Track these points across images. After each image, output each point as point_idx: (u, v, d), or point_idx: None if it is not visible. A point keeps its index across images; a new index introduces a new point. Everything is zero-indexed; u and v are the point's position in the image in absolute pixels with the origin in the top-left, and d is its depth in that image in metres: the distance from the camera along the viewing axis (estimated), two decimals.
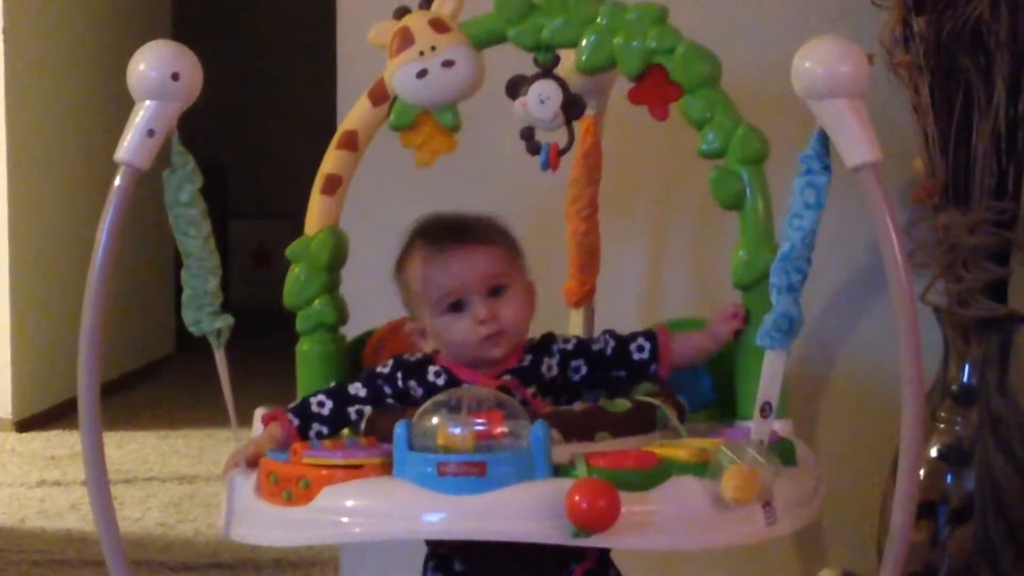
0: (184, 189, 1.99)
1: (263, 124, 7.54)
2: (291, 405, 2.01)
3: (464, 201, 2.08)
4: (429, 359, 2.02)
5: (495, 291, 1.98)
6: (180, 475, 4.07)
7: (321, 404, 2.00)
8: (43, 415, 4.78)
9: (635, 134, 2.46)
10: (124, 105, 1.95)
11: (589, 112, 2.26)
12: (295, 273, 2.19)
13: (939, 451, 2.51)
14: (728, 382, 2.07)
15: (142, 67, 1.92)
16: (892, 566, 1.93)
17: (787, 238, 1.86)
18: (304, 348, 2.20)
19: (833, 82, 1.82)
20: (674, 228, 2.81)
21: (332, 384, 2.05)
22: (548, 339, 2.06)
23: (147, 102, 1.92)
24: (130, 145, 1.92)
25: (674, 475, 1.75)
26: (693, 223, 2.78)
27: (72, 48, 5.16)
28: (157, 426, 4.74)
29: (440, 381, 1.99)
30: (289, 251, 2.20)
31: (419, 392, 1.99)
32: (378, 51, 2.15)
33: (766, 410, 1.85)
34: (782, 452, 1.87)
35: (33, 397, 4.81)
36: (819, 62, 1.83)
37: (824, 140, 1.85)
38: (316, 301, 2.19)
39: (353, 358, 2.22)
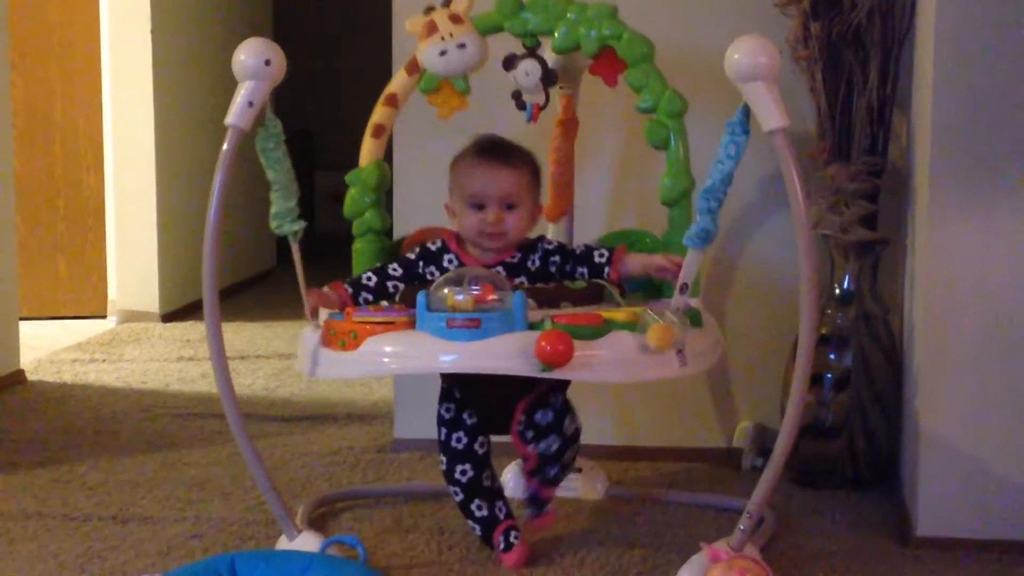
0: (270, 139, 1.98)
1: (339, 100, 7.47)
2: (348, 280, 2.07)
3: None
4: (445, 248, 2.05)
5: (508, 205, 2.00)
6: (279, 353, 4.03)
7: (368, 279, 2.05)
8: (181, 310, 4.75)
9: (600, 103, 2.43)
10: (233, 84, 1.93)
11: (567, 92, 2.29)
12: (352, 193, 2.22)
13: (825, 336, 2.49)
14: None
15: (242, 56, 1.92)
16: (791, 419, 1.94)
17: (711, 176, 1.86)
18: (358, 247, 2.23)
19: (755, 69, 1.82)
20: (627, 164, 2.76)
21: (377, 264, 2.10)
22: (537, 240, 2.06)
23: (247, 82, 1.92)
24: (236, 112, 1.92)
25: (613, 330, 1.81)
26: (640, 161, 2.72)
27: (200, 42, 5.08)
28: (262, 318, 4.72)
29: (451, 267, 2.01)
30: (348, 177, 2.22)
31: (435, 274, 2.02)
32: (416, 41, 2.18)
33: (684, 288, 1.87)
34: (692, 317, 1.93)
35: (174, 296, 4.77)
36: (745, 54, 1.83)
37: (747, 111, 1.84)
38: (367, 213, 2.20)
39: (392, 255, 2.22)
